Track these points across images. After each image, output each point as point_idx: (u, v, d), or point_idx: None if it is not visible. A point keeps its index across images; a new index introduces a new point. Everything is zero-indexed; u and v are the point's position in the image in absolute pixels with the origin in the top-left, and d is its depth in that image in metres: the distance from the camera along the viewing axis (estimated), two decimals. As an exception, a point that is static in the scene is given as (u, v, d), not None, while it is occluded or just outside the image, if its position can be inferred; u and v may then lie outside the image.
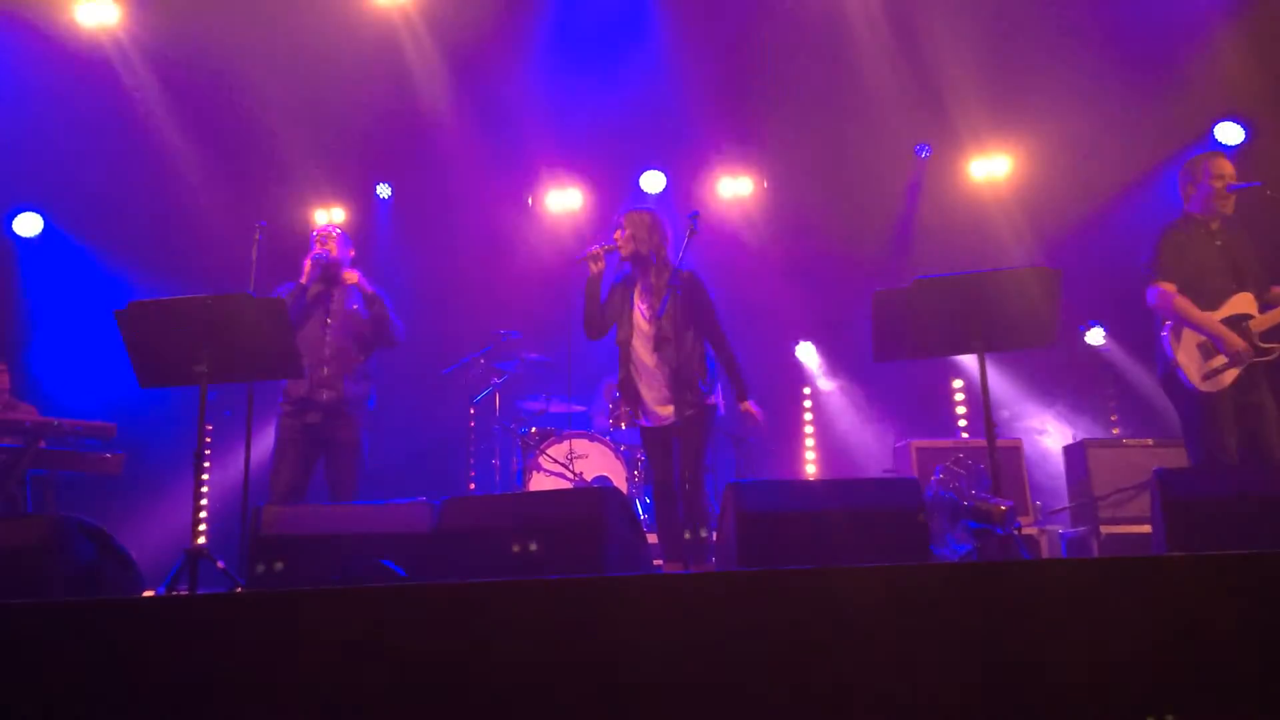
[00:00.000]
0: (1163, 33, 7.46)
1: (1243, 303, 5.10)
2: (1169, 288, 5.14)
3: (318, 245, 5.84)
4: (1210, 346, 5.07)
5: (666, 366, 5.17)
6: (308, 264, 5.74)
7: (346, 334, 5.77)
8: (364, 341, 5.83)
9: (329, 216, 8.80)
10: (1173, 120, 7.69)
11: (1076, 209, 7.88)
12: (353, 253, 6.09)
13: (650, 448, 5.39)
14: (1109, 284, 6.82)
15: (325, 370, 5.63)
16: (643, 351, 5.28)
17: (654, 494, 5.38)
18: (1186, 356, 5.12)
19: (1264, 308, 5.09)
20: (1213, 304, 5.12)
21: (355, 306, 5.83)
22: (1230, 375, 5.02)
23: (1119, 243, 7.13)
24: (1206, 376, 5.06)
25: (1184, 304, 5.12)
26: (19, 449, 6.01)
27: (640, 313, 5.29)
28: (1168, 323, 5.20)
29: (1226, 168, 5.23)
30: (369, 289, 5.82)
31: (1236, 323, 5.06)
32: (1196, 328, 5.10)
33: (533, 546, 3.95)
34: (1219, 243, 5.21)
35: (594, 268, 5.30)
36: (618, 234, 5.33)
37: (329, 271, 5.81)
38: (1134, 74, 7.55)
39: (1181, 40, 7.46)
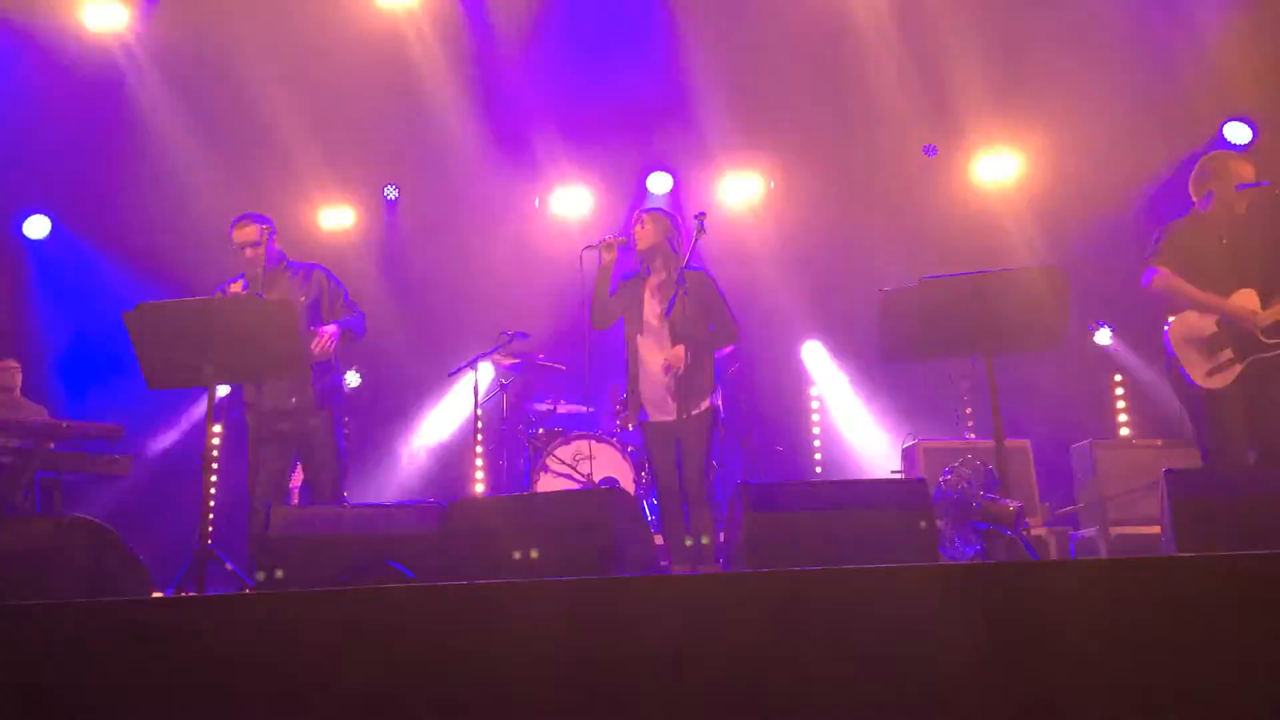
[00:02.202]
0: (1171, 32, 7.44)
1: (1245, 298, 5.04)
2: (1166, 270, 5.08)
3: (246, 266, 5.36)
4: (1212, 343, 5.04)
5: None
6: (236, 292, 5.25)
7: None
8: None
9: (335, 217, 8.82)
10: (1181, 120, 7.67)
11: (1084, 209, 7.85)
12: (272, 231, 5.54)
13: (653, 445, 5.37)
14: (1118, 284, 6.79)
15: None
16: (650, 348, 5.29)
17: (658, 495, 5.39)
18: (1188, 353, 5.06)
19: (1266, 305, 5.05)
20: (1215, 293, 5.07)
21: (303, 299, 5.45)
22: (1234, 371, 4.98)
23: (1127, 242, 7.11)
24: (1210, 373, 5.00)
25: (1179, 283, 5.05)
26: (27, 450, 6.02)
27: (651, 310, 5.31)
28: (1170, 319, 5.17)
29: (1239, 168, 5.17)
30: (337, 337, 5.37)
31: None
32: (1195, 305, 5.04)
33: (534, 554, 3.94)
34: (1225, 241, 5.15)
35: (605, 257, 5.32)
36: (637, 228, 5.35)
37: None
38: (1142, 73, 7.54)
39: (1190, 39, 7.44)
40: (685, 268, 5.21)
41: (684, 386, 5.10)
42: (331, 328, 5.36)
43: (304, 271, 5.61)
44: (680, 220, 5.49)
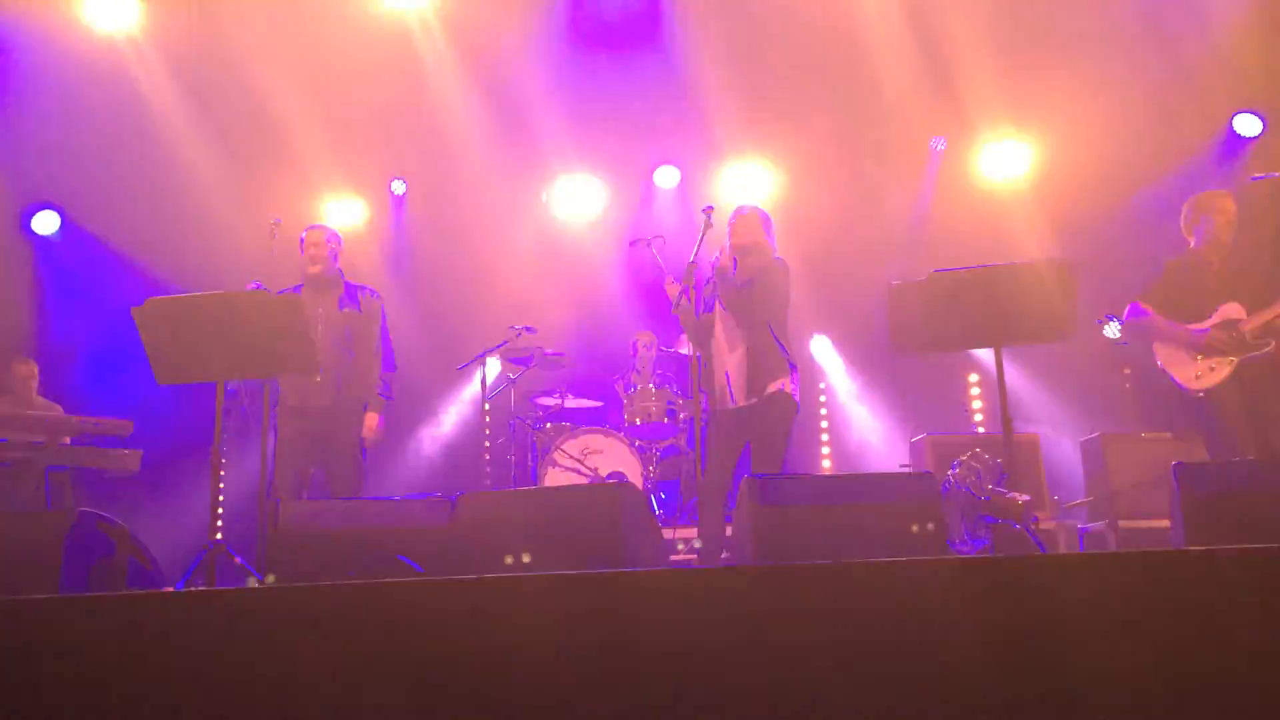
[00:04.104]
0: (1181, 23, 7.41)
1: (1231, 309, 5.27)
2: (1147, 307, 5.42)
3: (308, 264, 5.73)
4: (1197, 348, 5.26)
5: (742, 352, 5.20)
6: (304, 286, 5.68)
7: (339, 339, 5.67)
8: (356, 345, 5.73)
9: (342, 212, 8.83)
10: (1191, 112, 7.65)
11: (1094, 201, 7.83)
12: (338, 246, 5.89)
13: (715, 436, 5.28)
14: (1127, 277, 6.80)
15: (319, 376, 5.47)
16: (721, 338, 5.30)
17: (700, 487, 5.27)
18: (1175, 360, 5.32)
19: (1253, 312, 5.25)
20: (1203, 316, 5.30)
21: (347, 309, 5.73)
22: (1222, 372, 5.15)
23: (1137, 235, 7.09)
24: (1198, 375, 5.24)
25: (1155, 317, 5.39)
26: (38, 446, 6.05)
27: (721, 301, 5.32)
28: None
29: (1225, 204, 5.40)
30: (383, 425, 5.82)
31: (1228, 327, 5.23)
32: (1168, 339, 5.34)
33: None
34: (1215, 270, 5.38)
35: (683, 302, 5.25)
36: (736, 222, 5.34)
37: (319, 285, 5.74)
38: (1152, 65, 7.51)
39: (1200, 31, 7.41)
40: (773, 260, 5.28)
41: (752, 369, 5.14)
42: (378, 418, 5.77)
43: (358, 292, 5.84)
44: (768, 216, 5.48)
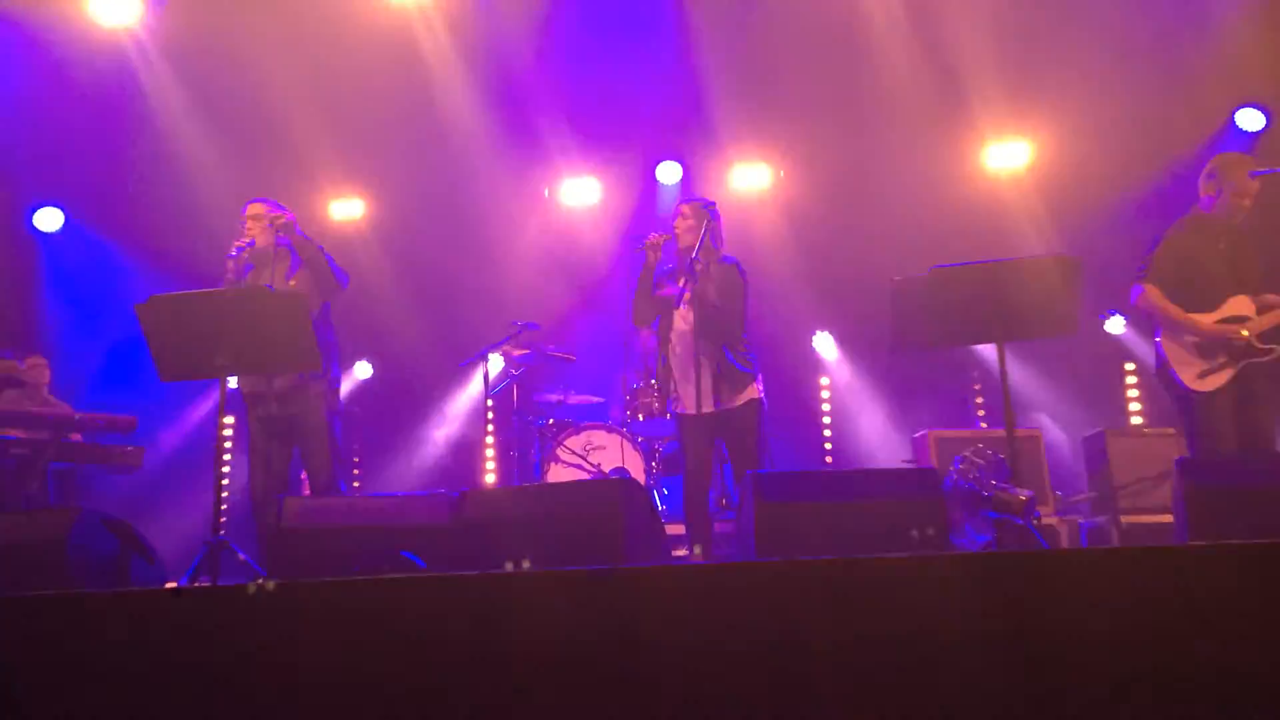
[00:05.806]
0: (1183, 17, 7.40)
1: (1240, 304, 5.05)
2: (1152, 290, 5.12)
3: (243, 237, 5.35)
4: (1205, 346, 5.02)
5: (707, 355, 5.09)
6: (230, 264, 5.25)
7: None
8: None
9: (344, 209, 8.84)
10: (1193, 106, 7.63)
11: (1096, 196, 7.81)
12: (290, 217, 5.47)
13: (687, 436, 5.27)
14: (1130, 271, 6.82)
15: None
16: (683, 340, 5.24)
17: (685, 482, 5.28)
18: (1180, 355, 5.07)
19: (1261, 310, 5.04)
20: (1211, 305, 5.06)
21: (293, 280, 5.41)
22: (1225, 375, 4.98)
23: (1139, 230, 7.07)
24: (1201, 375, 5.00)
25: (1164, 304, 5.09)
26: (42, 442, 6.06)
27: (682, 301, 5.24)
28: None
29: (1250, 185, 5.12)
30: (298, 235, 5.39)
31: (1232, 323, 5.01)
32: (1177, 328, 5.06)
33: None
34: (1222, 245, 5.13)
35: (650, 256, 5.25)
36: (678, 220, 5.30)
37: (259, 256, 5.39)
38: (1155, 60, 7.49)
39: (1202, 25, 7.39)
40: (720, 260, 5.20)
41: (720, 377, 5.08)
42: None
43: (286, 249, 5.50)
44: (716, 208, 5.38)
